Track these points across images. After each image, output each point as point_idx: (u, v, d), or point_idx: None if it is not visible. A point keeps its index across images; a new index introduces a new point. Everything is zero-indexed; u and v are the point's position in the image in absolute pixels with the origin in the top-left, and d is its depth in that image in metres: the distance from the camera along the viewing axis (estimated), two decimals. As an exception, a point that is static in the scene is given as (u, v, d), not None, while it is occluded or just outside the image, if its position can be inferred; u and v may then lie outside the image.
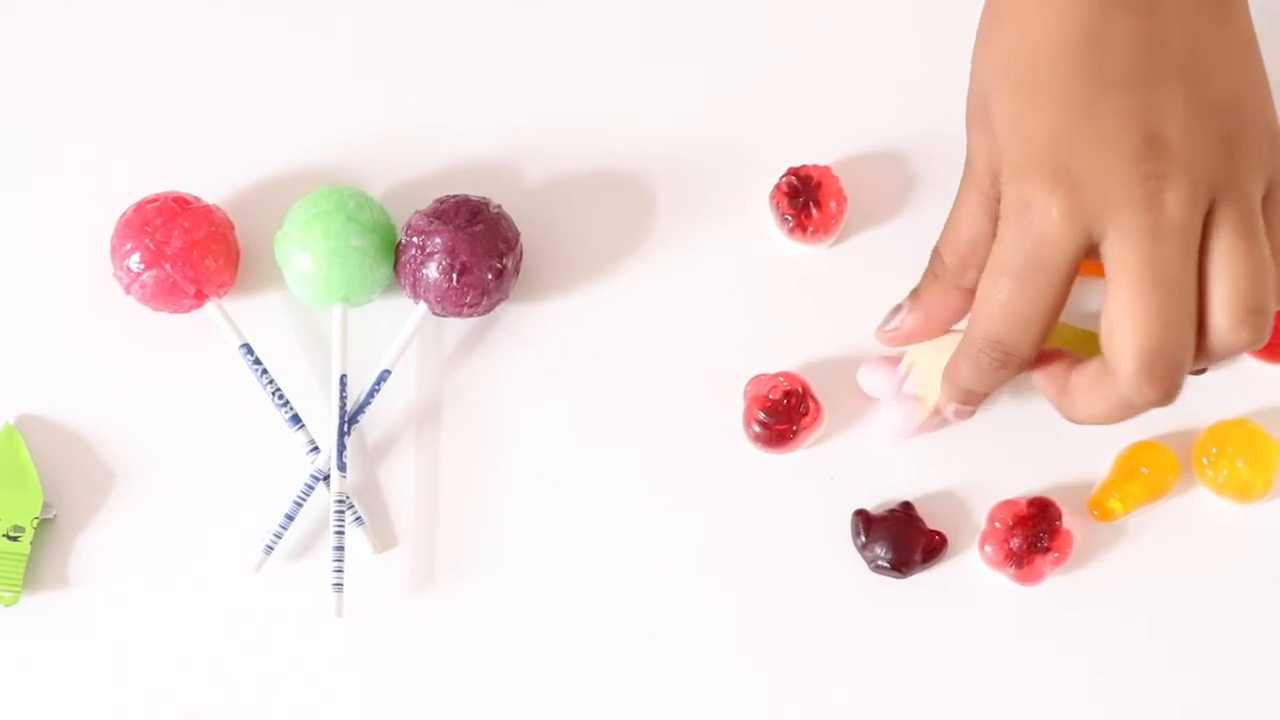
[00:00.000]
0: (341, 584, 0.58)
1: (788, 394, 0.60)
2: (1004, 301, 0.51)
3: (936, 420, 0.60)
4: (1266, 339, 0.50)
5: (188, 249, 0.59)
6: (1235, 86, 0.50)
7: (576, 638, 0.60)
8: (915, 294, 0.58)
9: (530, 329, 0.62)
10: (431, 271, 0.59)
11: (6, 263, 0.63)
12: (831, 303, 0.63)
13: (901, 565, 0.59)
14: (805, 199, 0.62)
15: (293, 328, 0.62)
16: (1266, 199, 0.50)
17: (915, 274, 0.63)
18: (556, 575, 0.60)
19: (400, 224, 0.62)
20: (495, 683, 0.59)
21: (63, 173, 0.64)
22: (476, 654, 0.59)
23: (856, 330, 0.62)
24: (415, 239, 0.60)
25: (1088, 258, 0.50)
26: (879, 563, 0.59)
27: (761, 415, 0.60)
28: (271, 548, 0.59)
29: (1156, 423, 0.61)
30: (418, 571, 0.60)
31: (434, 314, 0.61)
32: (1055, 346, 0.61)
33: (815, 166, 0.62)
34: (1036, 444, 0.61)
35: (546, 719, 0.59)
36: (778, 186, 0.62)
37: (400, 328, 0.61)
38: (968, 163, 0.54)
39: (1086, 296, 0.63)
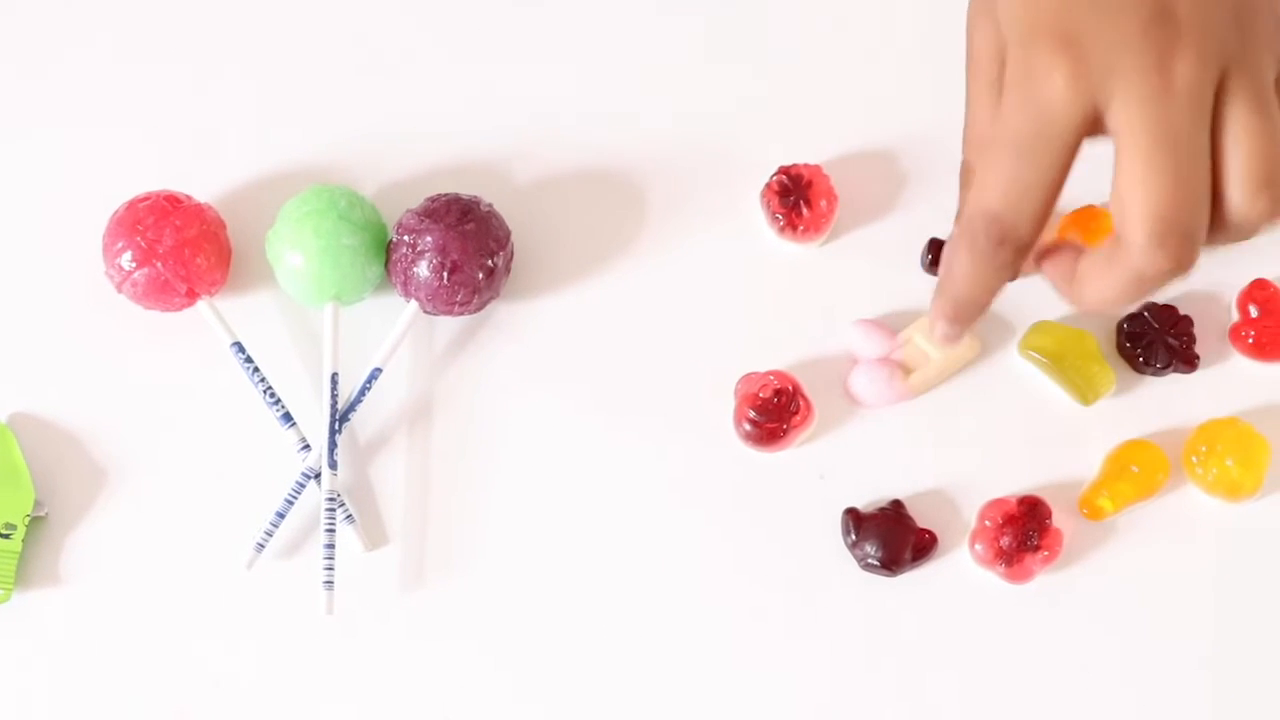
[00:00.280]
0: (332, 582, 0.58)
1: (778, 392, 0.60)
2: (1003, 174, 0.48)
3: (906, 387, 0.60)
4: None
5: (179, 247, 0.60)
6: None
7: (566, 636, 0.60)
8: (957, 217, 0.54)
9: (521, 327, 0.62)
10: (422, 270, 0.60)
11: (-1, 261, 0.63)
12: (822, 301, 0.63)
13: (891, 564, 0.59)
14: (796, 198, 0.62)
15: (284, 326, 0.62)
16: (1278, 83, 0.49)
17: (906, 272, 0.63)
18: (546, 573, 0.60)
19: (391, 222, 0.62)
20: (485, 680, 0.59)
21: (54, 171, 0.64)
22: (466, 652, 0.59)
23: (847, 329, 0.62)
24: (406, 237, 0.60)
25: (1093, 131, 0.48)
26: (869, 561, 0.59)
27: (752, 414, 0.60)
28: (263, 545, 0.59)
29: (1147, 422, 0.62)
30: (408, 569, 0.60)
31: (425, 312, 0.61)
32: (1047, 345, 0.61)
33: (806, 165, 0.62)
34: (1027, 442, 0.62)
35: (538, 716, 0.59)
36: (768, 185, 0.63)
37: (391, 326, 0.61)
38: (971, 60, 0.52)
39: (1077, 295, 0.63)
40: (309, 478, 0.60)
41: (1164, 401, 0.62)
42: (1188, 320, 0.62)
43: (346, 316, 0.61)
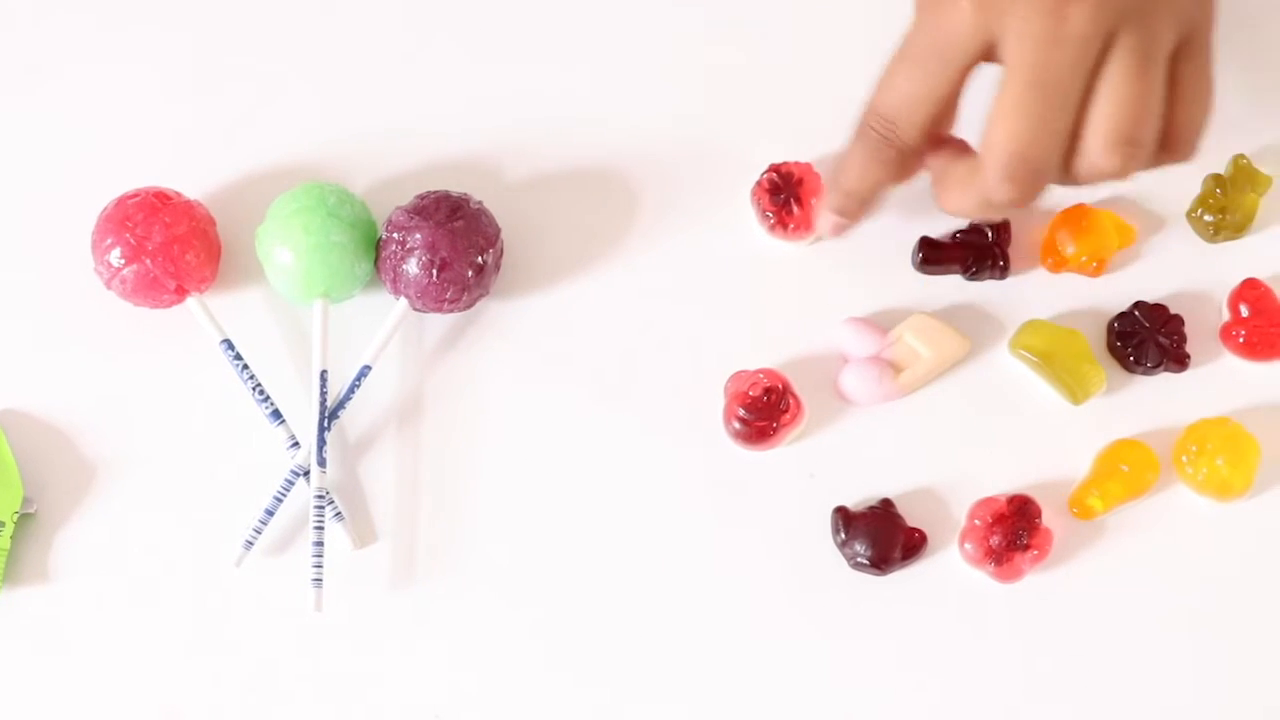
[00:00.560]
0: (321, 579, 0.58)
1: (768, 391, 0.60)
2: (899, 81, 0.54)
3: (896, 386, 0.61)
4: (1132, 172, 0.51)
5: (168, 244, 0.59)
6: None
7: (555, 633, 0.60)
8: None
9: (510, 325, 0.62)
10: (412, 267, 0.59)
11: (-12, 257, 0.63)
12: (812, 300, 0.63)
13: (881, 562, 0.59)
14: (786, 196, 0.62)
15: (273, 323, 0.62)
16: (1178, 52, 0.52)
17: (896, 271, 0.63)
18: (535, 571, 0.60)
19: (381, 220, 0.62)
20: (474, 677, 0.59)
21: (44, 168, 0.64)
22: (455, 649, 0.59)
23: (837, 327, 0.62)
24: (396, 235, 0.60)
25: (987, 58, 0.52)
26: (859, 560, 0.59)
27: (742, 412, 0.60)
28: (251, 543, 0.59)
29: (1137, 421, 0.62)
30: (397, 567, 0.60)
31: (414, 310, 0.61)
32: (1037, 344, 0.61)
33: (796, 163, 0.62)
34: (1017, 441, 0.62)
35: (527, 713, 0.59)
36: (759, 183, 0.62)
37: (381, 323, 0.61)
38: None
39: (1069, 294, 0.63)
40: (298, 475, 0.60)
41: (1154, 401, 0.62)
42: (1179, 319, 0.62)
43: (336, 314, 0.61)
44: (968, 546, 0.60)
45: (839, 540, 0.60)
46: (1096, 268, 0.63)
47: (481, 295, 0.61)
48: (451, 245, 0.59)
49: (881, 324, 0.62)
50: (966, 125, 0.56)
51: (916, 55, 0.53)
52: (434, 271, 0.59)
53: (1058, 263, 0.63)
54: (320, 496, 0.59)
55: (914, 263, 0.63)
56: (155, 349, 0.62)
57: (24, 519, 0.60)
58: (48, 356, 0.62)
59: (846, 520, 0.60)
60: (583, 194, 0.64)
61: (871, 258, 0.63)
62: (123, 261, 0.59)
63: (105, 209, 0.60)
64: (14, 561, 0.59)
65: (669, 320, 0.62)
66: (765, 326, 0.62)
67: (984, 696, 0.59)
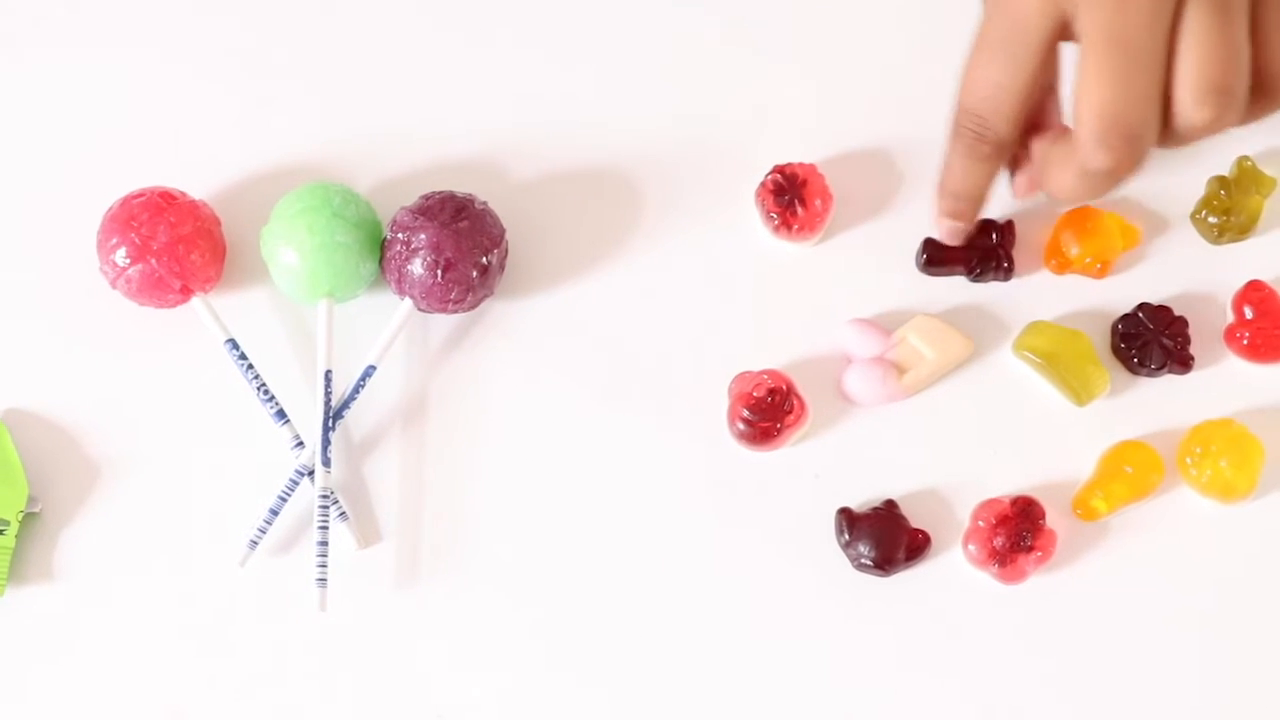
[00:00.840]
0: (325, 579, 0.58)
1: (772, 391, 0.60)
2: (980, 74, 0.53)
3: (900, 387, 0.61)
4: (1230, 122, 0.51)
5: (173, 244, 0.59)
6: None
7: (559, 633, 0.60)
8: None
9: (515, 326, 0.62)
10: (416, 267, 0.59)
11: (-7, 257, 0.63)
12: (817, 301, 0.63)
13: (885, 563, 0.59)
14: (791, 196, 0.62)
15: (278, 323, 0.62)
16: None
17: (901, 272, 0.63)
18: (540, 571, 0.60)
19: (386, 220, 0.62)
20: (478, 677, 0.59)
21: (49, 167, 0.64)
22: (460, 649, 0.59)
23: (841, 328, 0.62)
24: (400, 235, 0.60)
25: (1064, 36, 0.52)
26: (862, 561, 0.59)
27: (746, 413, 0.60)
28: (256, 543, 0.59)
29: (1141, 423, 0.62)
30: (401, 567, 0.60)
31: (419, 310, 0.61)
32: (1041, 345, 0.61)
33: (801, 164, 0.62)
34: (1021, 443, 0.62)
35: (530, 714, 0.59)
36: (763, 184, 0.62)
37: (385, 324, 0.61)
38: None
39: (1073, 296, 0.63)
40: (302, 475, 0.60)
41: (1158, 402, 0.62)
42: (1183, 321, 0.62)
43: (340, 314, 0.61)
44: (971, 548, 0.60)
45: (843, 541, 0.60)
46: (1101, 269, 0.63)
47: (486, 295, 0.61)
48: (456, 246, 0.59)
49: (885, 325, 0.62)
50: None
51: (993, 47, 0.53)
52: (439, 272, 0.59)
53: (1062, 264, 0.63)
54: (325, 496, 0.59)
55: (918, 264, 0.63)
56: (160, 349, 0.62)
57: (29, 518, 0.60)
58: (53, 356, 0.62)
59: (850, 521, 0.60)
60: (587, 194, 0.64)
61: (876, 259, 0.63)
62: (128, 261, 0.59)
63: (110, 209, 0.61)
64: (19, 561, 0.59)
65: (673, 321, 0.62)
66: (769, 327, 0.62)
67: (987, 698, 0.59)
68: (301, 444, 0.60)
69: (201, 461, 0.61)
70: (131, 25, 0.66)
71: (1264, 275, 0.63)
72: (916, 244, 0.63)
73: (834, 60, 0.65)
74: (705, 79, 0.65)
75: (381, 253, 0.61)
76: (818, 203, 0.62)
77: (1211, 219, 0.63)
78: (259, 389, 0.60)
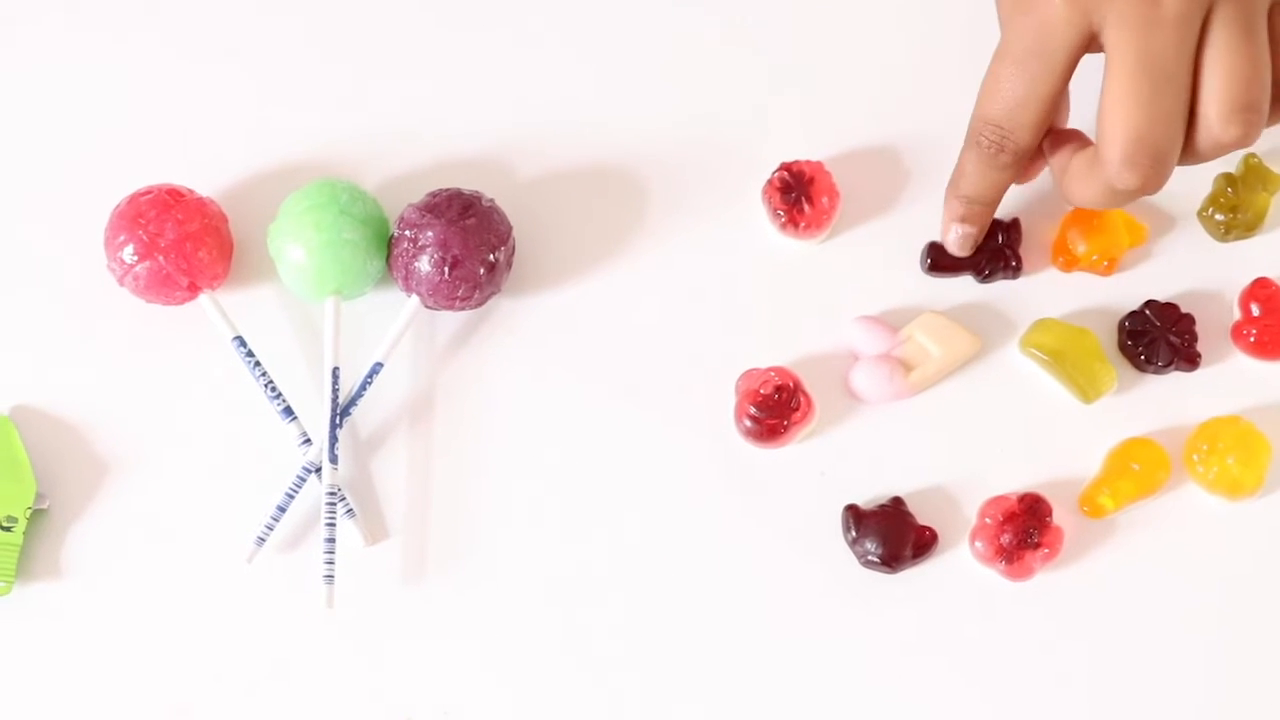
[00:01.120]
0: (332, 576, 0.58)
1: (779, 389, 0.60)
2: (1003, 84, 0.53)
3: (907, 384, 0.61)
4: (1255, 137, 0.51)
5: (181, 241, 0.60)
6: None
7: (567, 630, 0.60)
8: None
9: (522, 323, 0.62)
10: (424, 265, 0.60)
11: (1, 254, 0.63)
12: (823, 298, 0.63)
13: (892, 560, 0.59)
14: (798, 194, 0.62)
15: (285, 320, 0.62)
16: (1274, 7, 0.51)
17: (907, 269, 0.63)
18: (547, 568, 0.60)
19: (393, 217, 0.62)
20: (485, 674, 0.59)
21: (57, 165, 0.64)
22: (467, 646, 0.60)
23: (848, 326, 0.62)
24: (407, 232, 0.60)
25: (1090, 49, 0.52)
26: (869, 558, 0.59)
27: (753, 410, 0.60)
28: (263, 539, 0.59)
29: (1148, 420, 0.62)
30: (409, 564, 0.60)
31: (426, 307, 0.61)
32: (1048, 342, 0.61)
33: (808, 162, 0.62)
34: (1027, 440, 0.62)
35: (538, 710, 0.59)
36: (770, 181, 0.62)
37: (393, 321, 0.61)
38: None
39: (1080, 293, 0.63)
40: (310, 472, 0.60)
41: (1165, 400, 0.62)
42: (1189, 318, 0.62)
43: (348, 311, 0.61)
44: (978, 545, 0.60)
45: (850, 538, 0.60)
46: (1108, 267, 0.63)
47: (493, 293, 0.61)
48: (463, 243, 0.59)
49: (892, 322, 0.62)
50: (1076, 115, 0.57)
51: (1017, 58, 0.53)
52: (446, 269, 0.59)
53: (1069, 262, 0.63)
54: (332, 493, 0.59)
55: (923, 268, 0.63)
56: (167, 346, 0.62)
57: (36, 515, 0.60)
58: (60, 353, 0.62)
59: (857, 518, 0.60)
60: (594, 192, 0.64)
61: (882, 256, 0.63)
62: (135, 258, 0.60)
63: (118, 206, 0.61)
64: (27, 557, 0.60)
65: (680, 318, 0.62)
66: (776, 325, 0.62)
67: (994, 695, 0.59)
68: (309, 441, 0.60)
69: (209, 458, 0.61)
70: (139, 22, 0.66)
71: (1271, 272, 0.63)
72: (924, 241, 0.63)
73: (841, 57, 0.65)
74: (712, 76, 0.65)
75: (389, 250, 0.61)
76: (824, 200, 0.62)
77: (1218, 216, 0.63)
78: (266, 386, 0.60)
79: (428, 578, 0.60)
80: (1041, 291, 0.63)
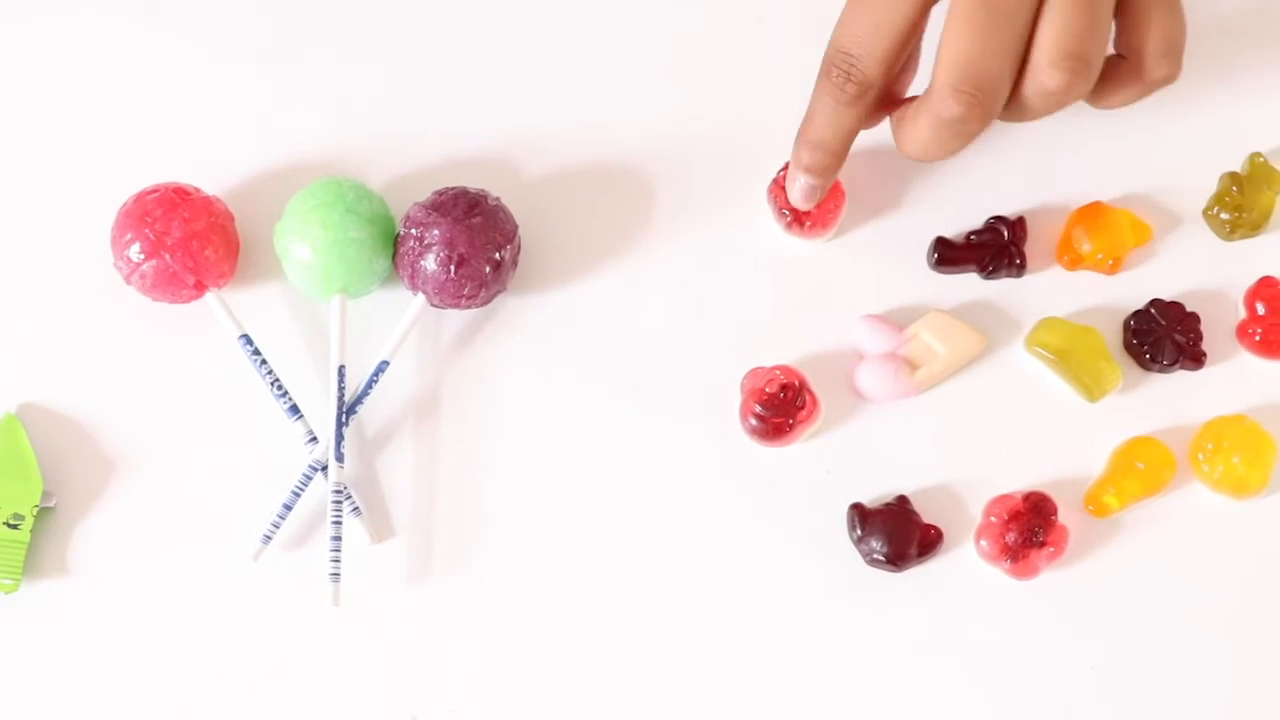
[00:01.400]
0: (338, 574, 0.58)
1: (784, 387, 0.60)
2: (856, 14, 0.54)
3: (912, 383, 0.61)
4: (1079, 91, 0.52)
5: (187, 239, 0.60)
6: None
7: (573, 628, 0.60)
8: None
9: (528, 321, 0.62)
10: (430, 263, 0.60)
11: (8, 252, 0.63)
12: (829, 297, 0.63)
13: (897, 559, 0.59)
14: (807, 198, 0.62)
15: (292, 318, 0.62)
16: None
17: (912, 268, 0.63)
18: (553, 566, 0.60)
19: (399, 216, 0.62)
20: (491, 672, 0.59)
21: (64, 163, 0.64)
22: (473, 644, 0.60)
23: (854, 324, 0.62)
24: (414, 231, 0.60)
25: None
26: (874, 556, 0.60)
27: (758, 408, 0.60)
28: (269, 537, 0.59)
29: (1153, 419, 0.62)
30: (414, 562, 0.60)
31: (432, 305, 0.61)
32: (1054, 341, 0.61)
33: (827, 176, 0.62)
34: (1032, 439, 0.62)
35: (544, 708, 0.59)
36: (775, 180, 0.62)
37: (398, 319, 0.61)
38: None
39: (1085, 292, 0.63)
40: (316, 470, 0.60)
41: (1170, 398, 0.62)
42: (1195, 317, 0.62)
43: (354, 309, 0.61)
44: (983, 543, 0.60)
45: (855, 537, 0.60)
46: (1113, 265, 0.63)
47: (499, 291, 0.61)
48: (469, 241, 0.59)
49: (897, 321, 0.62)
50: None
51: None
52: (452, 267, 0.59)
53: (1074, 260, 0.63)
54: (338, 491, 0.59)
55: (929, 263, 0.63)
56: (174, 344, 0.62)
57: (43, 513, 0.60)
58: (67, 351, 0.62)
59: (862, 517, 0.60)
60: (600, 191, 0.64)
61: (888, 255, 0.63)
62: (142, 256, 0.60)
63: (125, 204, 0.61)
64: (33, 555, 0.60)
65: (685, 317, 0.63)
66: (781, 323, 0.62)
67: (999, 693, 0.59)
68: (315, 439, 0.60)
69: (215, 456, 0.61)
70: (144, 22, 0.66)
71: (1276, 271, 0.63)
72: (928, 240, 0.63)
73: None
74: (718, 75, 0.65)
75: (395, 248, 0.61)
76: (829, 199, 0.62)
77: (1224, 215, 0.63)
78: (272, 384, 0.60)
79: (433, 576, 0.60)
80: (1047, 290, 0.63)
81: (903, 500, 0.60)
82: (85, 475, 0.61)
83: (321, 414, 0.60)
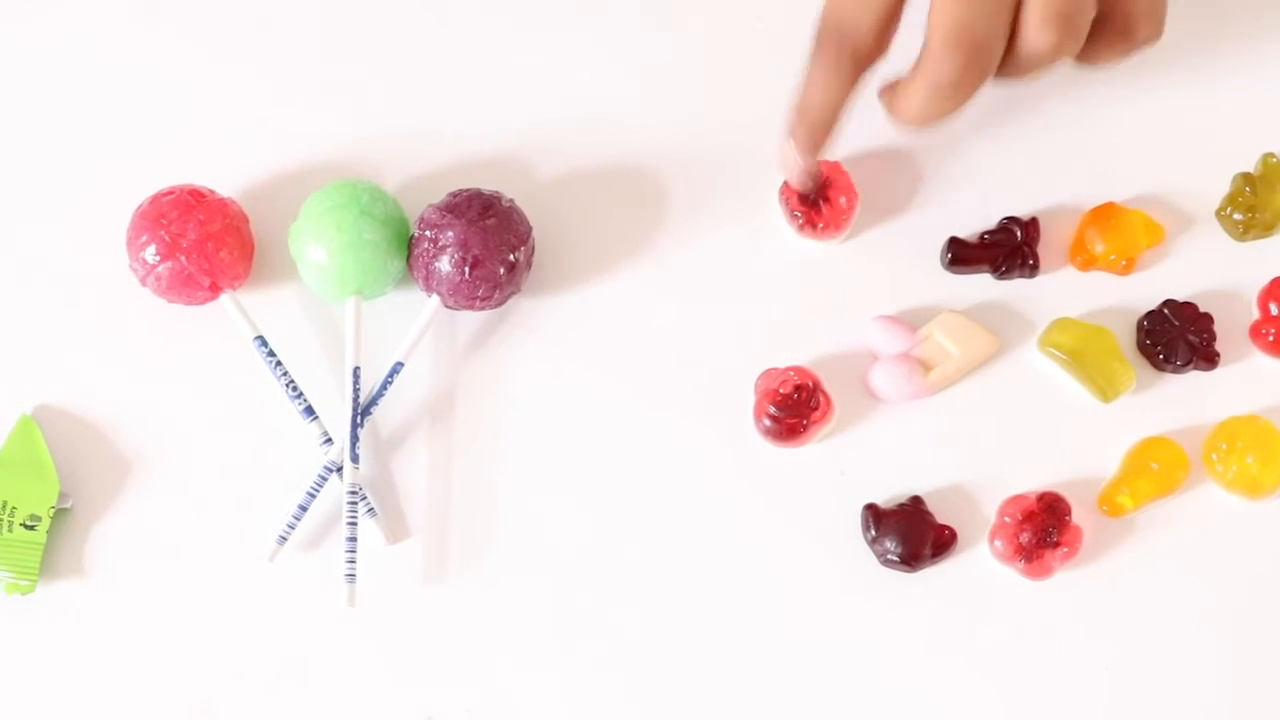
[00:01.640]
0: (354, 575, 0.59)
1: (798, 388, 0.60)
2: None
3: (926, 383, 0.61)
4: (1067, 50, 0.53)
5: (203, 241, 0.60)
6: None
7: (588, 629, 0.60)
8: None
9: (542, 323, 0.63)
10: (444, 265, 0.60)
11: (24, 254, 0.63)
12: (842, 298, 0.63)
13: (911, 559, 0.59)
14: (815, 195, 0.62)
15: (307, 320, 0.63)
16: None
17: (926, 269, 0.63)
18: (568, 567, 0.60)
19: (413, 217, 0.62)
20: (507, 673, 0.60)
21: (79, 165, 0.64)
22: (488, 645, 0.60)
23: (867, 325, 0.62)
24: (428, 232, 0.60)
25: None
26: (889, 557, 0.60)
27: (772, 409, 0.60)
28: (285, 538, 0.59)
29: (1167, 419, 0.62)
30: (430, 563, 0.60)
31: (446, 307, 0.61)
32: (1067, 342, 0.61)
33: (825, 162, 0.62)
34: (1046, 439, 0.62)
35: (559, 708, 0.59)
36: (787, 182, 0.63)
37: (413, 320, 0.61)
38: None
39: (1098, 293, 0.63)
40: (331, 471, 0.60)
41: (1184, 399, 0.62)
42: (1208, 318, 0.62)
43: (368, 311, 0.61)
44: (998, 544, 0.60)
45: (869, 537, 0.60)
46: (1126, 266, 0.63)
47: (513, 293, 0.61)
48: (484, 243, 0.60)
49: (911, 322, 0.62)
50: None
51: None
52: (466, 269, 0.60)
53: (1087, 261, 0.63)
54: (353, 492, 0.59)
55: (943, 263, 0.63)
56: (189, 346, 0.62)
57: (60, 514, 0.60)
58: (83, 353, 0.62)
59: (877, 517, 0.60)
60: (613, 192, 0.64)
61: (901, 256, 0.63)
62: (157, 258, 0.60)
63: (140, 206, 0.61)
64: (50, 556, 0.60)
65: (699, 318, 0.63)
66: (795, 324, 0.62)
67: (1013, 693, 0.60)
68: (330, 440, 0.60)
69: (230, 458, 0.61)
70: (159, 23, 0.66)
71: (1291, 272, 0.63)
72: (941, 241, 0.63)
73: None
74: (730, 77, 0.65)
75: (409, 250, 0.61)
76: (842, 200, 0.62)
77: (1237, 216, 0.63)
78: (287, 386, 0.60)
79: (449, 576, 0.60)
80: (1060, 291, 0.63)
81: (917, 501, 0.60)
82: (101, 476, 0.61)
83: (336, 415, 0.61)
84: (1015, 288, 0.63)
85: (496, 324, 0.63)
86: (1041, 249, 0.63)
